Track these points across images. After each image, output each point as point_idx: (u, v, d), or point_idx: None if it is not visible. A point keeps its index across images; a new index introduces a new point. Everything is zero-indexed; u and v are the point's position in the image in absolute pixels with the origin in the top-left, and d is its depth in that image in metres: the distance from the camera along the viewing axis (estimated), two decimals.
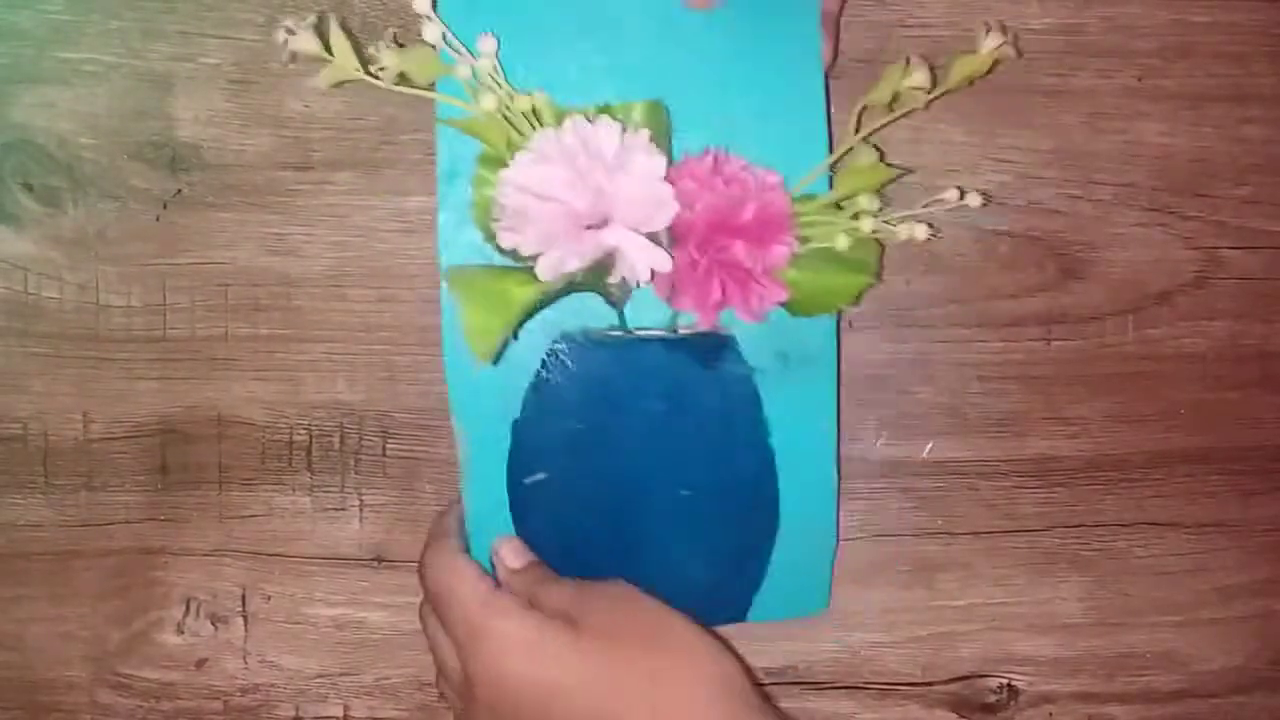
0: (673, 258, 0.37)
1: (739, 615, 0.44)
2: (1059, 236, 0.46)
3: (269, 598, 0.47)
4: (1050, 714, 0.48)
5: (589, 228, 0.36)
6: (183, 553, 0.47)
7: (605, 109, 0.37)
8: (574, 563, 0.40)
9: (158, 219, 0.46)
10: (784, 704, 0.47)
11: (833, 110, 0.42)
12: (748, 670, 0.37)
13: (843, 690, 0.47)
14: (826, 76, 0.41)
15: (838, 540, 0.44)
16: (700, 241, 0.37)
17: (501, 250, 0.37)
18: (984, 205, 0.39)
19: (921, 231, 0.38)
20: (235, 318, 0.46)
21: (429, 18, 0.36)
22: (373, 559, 0.47)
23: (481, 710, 0.38)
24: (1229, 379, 0.47)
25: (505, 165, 0.36)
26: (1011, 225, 0.46)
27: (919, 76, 0.38)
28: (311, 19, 0.35)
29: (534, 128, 0.37)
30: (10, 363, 0.46)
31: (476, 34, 0.37)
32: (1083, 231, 0.46)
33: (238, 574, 0.47)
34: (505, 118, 0.37)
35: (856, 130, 0.40)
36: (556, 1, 0.40)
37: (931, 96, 0.39)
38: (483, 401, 0.41)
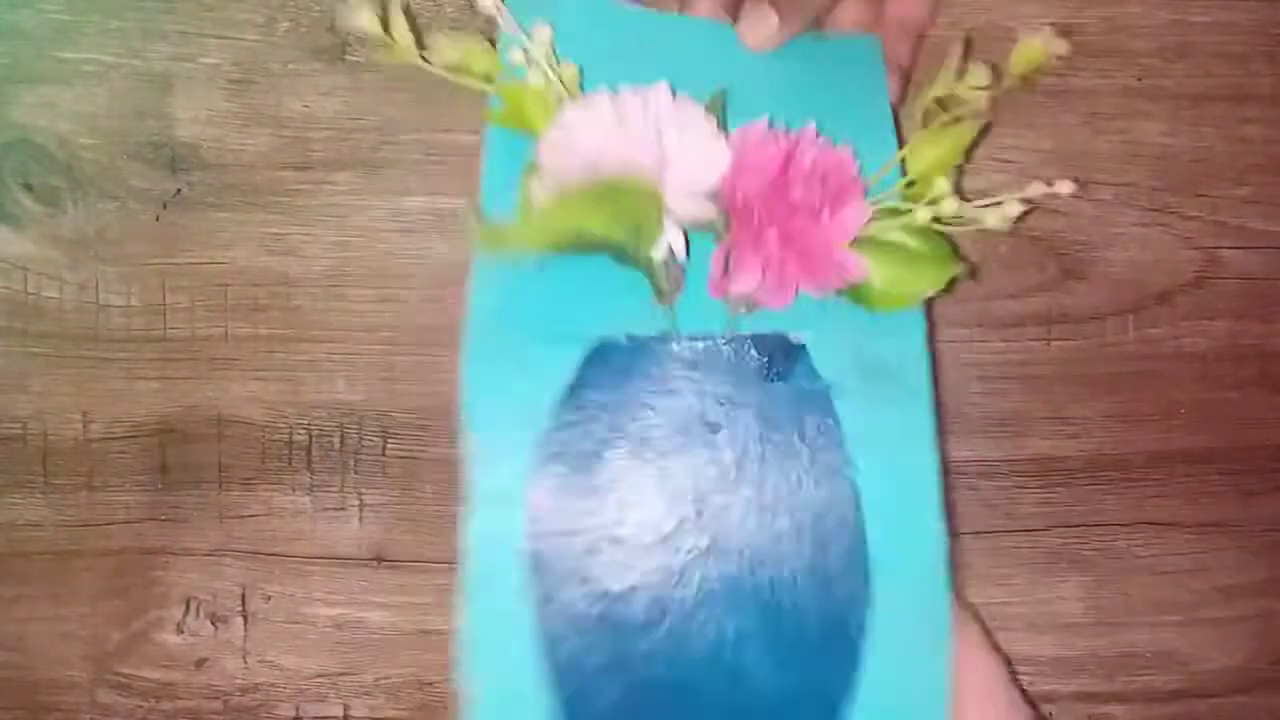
0: (729, 229, 0.32)
1: None
2: (1059, 236, 0.46)
3: (269, 597, 0.47)
4: (1050, 714, 0.48)
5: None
6: (182, 552, 0.47)
7: None
8: (606, 656, 0.32)
9: (157, 219, 0.46)
10: None
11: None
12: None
13: None
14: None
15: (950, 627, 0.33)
16: (754, 188, 0.31)
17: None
18: (1072, 194, 0.34)
19: (1015, 208, 0.34)
20: (235, 317, 0.46)
21: None
22: (372, 559, 0.47)
23: None
24: (1229, 379, 0.47)
25: None
26: (1012, 225, 0.46)
27: (978, 75, 0.33)
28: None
29: None
30: (10, 362, 0.46)
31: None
32: (1083, 231, 0.46)
33: (237, 574, 0.47)
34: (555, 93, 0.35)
35: (923, 124, 0.35)
36: (616, 28, 0.37)
37: (994, 94, 0.34)
38: (502, 410, 0.33)
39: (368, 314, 0.46)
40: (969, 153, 0.35)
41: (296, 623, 0.47)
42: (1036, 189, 0.34)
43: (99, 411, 0.46)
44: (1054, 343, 0.47)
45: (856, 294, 0.34)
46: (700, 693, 0.32)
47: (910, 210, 0.33)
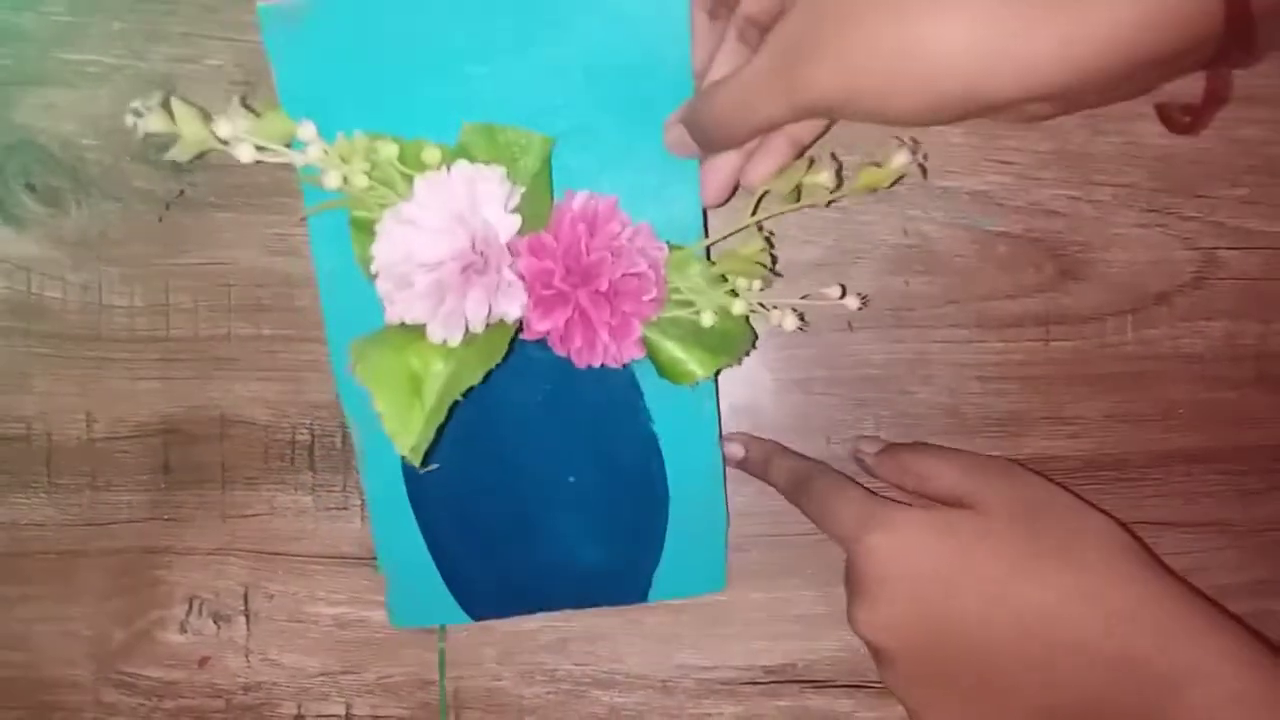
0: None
1: (640, 596, 0.46)
2: (1058, 237, 0.47)
3: (271, 596, 0.47)
4: None
5: (468, 272, 0.35)
6: (186, 552, 0.47)
7: (499, 133, 0.38)
8: (475, 545, 0.45)
9: (160, 219, 0.46)
10: (783, 702, 0.48)
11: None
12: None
13: (842, 689, 0.48)
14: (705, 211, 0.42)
15: (728, 521, 0.46)
16: (566, 267, 0.38)
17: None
18: (860, 308, 0.43)
19: (791, 321, 0.41)
20: (238, 318, 0.46)
21: (238, 141, 0.36)
22: (374, 558, 0.47)
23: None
24: (1227, 379, 0.48)
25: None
26: (1010, 226, 0.46)
27: (824, 176, 0.39)
28: (158, 97, 0.35)
29: (397, 180, 0.37)
30: (13, 363, 0.46)
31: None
32: (1081, 232, 0.47)
33: (240, 573, 0.47)
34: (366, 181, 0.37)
35: (753, 213, 0.41)
36: (398, 59, 0.40)
37: (832, 197, 0.40)
38: None
39: None
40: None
41: (299, 621, 0.47)
42: (832, 291, 0.41)
43: (102, 412, 0.46)
44: (1052, 343, 0.47)
45: (652, 364, 0.41)
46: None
47: (699, 310, 0.40)
